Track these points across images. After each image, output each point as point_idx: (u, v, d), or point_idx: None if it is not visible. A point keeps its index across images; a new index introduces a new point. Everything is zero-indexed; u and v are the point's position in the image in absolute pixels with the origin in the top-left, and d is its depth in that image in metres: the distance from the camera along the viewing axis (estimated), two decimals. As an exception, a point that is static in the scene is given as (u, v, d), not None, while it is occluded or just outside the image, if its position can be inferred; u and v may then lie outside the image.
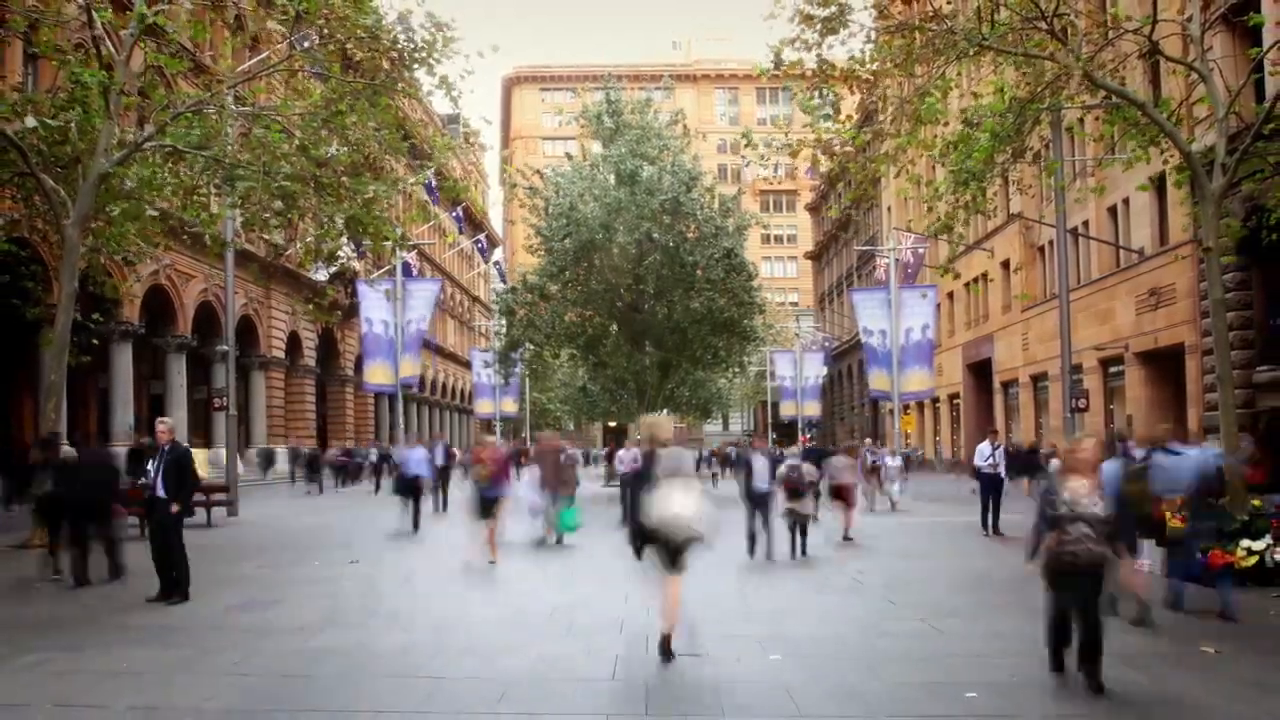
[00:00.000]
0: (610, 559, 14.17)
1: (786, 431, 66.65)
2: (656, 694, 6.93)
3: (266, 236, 28.39)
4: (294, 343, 44.58)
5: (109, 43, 17.35)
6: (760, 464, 14.16)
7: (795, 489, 14.16)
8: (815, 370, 59.21)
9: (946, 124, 15.76)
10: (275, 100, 19.32)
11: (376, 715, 6.47)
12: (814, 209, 78.48)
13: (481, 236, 66.55)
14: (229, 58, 24.54)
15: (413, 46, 17.72)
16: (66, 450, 16.16)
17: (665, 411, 43.07)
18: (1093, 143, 24.56)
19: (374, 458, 39.73)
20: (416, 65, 18.05)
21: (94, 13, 16.32)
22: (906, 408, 42.16)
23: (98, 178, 16.41)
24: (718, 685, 7.15)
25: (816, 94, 15.51)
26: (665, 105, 36.86)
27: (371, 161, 18.80)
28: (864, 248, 56.79)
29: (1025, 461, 26.24)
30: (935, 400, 48.22)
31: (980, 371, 45.00)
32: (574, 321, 32.47)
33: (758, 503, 14.12)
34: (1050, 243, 33.30)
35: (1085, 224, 32.61)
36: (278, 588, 11.86)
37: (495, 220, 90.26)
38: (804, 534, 14.43)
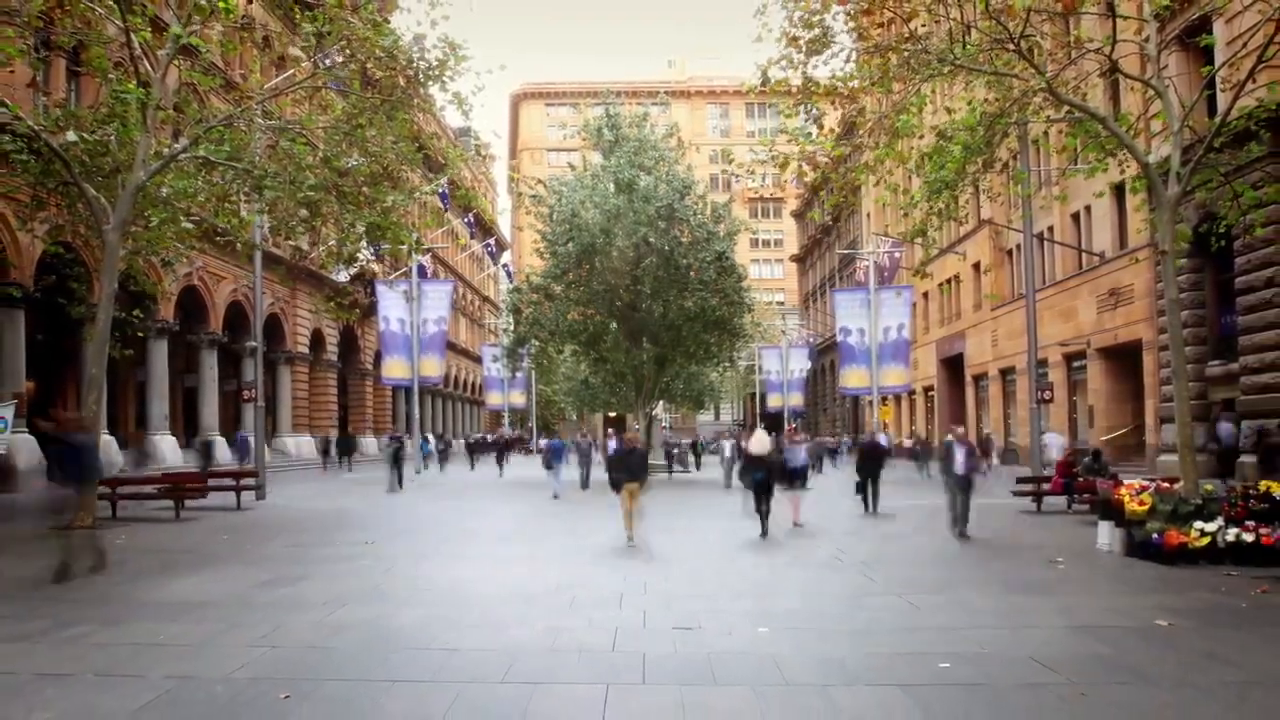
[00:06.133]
0: (612, 540, 14.18)
1: (774, 421, 66.68)
2: (653, 664, 6.93)
3: (292, 241, 28.34)
4: (317, 339, 44.55)
5: (146, 61, 17.32)
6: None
7: None
8: (800, 365, 59.24)
9: (921, 137, 15.74)
10: (300, 115, 19.26)
11: (393, 684, 6.46)
12: (799, 215, 78.37)
13: (491, 240, 66.48)
14: (258, 74, 24.47)
15: (427, 65, 17.69)
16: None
17: (661, 403, 43.16)
18: (1057, 154, 24.56)
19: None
20: (431, 82, 18.02)
21: (132, 34, 16.28)
22: (885, 399, 42.17)
23: (136, 187, 16.37)
24: (710, 656, 7.14)
25: (801, 110, 15.48)
26: (661, 119, 36.81)
27: (389, 172, 18.73)
28: (845, 251, 56.77)
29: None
30: (911, 393, 48.23)
31: (953, 366, 45.01)
32: (576, 319, 32.45)
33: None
34: (1018, 246, 33.31)
35: (1050, 229, 32.63)
36: (302, 566, 11.85)
37: (504, 225, 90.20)
38: None
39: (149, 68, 17.29)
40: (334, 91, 19.26)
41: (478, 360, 67.73)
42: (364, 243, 20.27)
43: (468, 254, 69.39)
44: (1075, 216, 31.54)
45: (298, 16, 18.89)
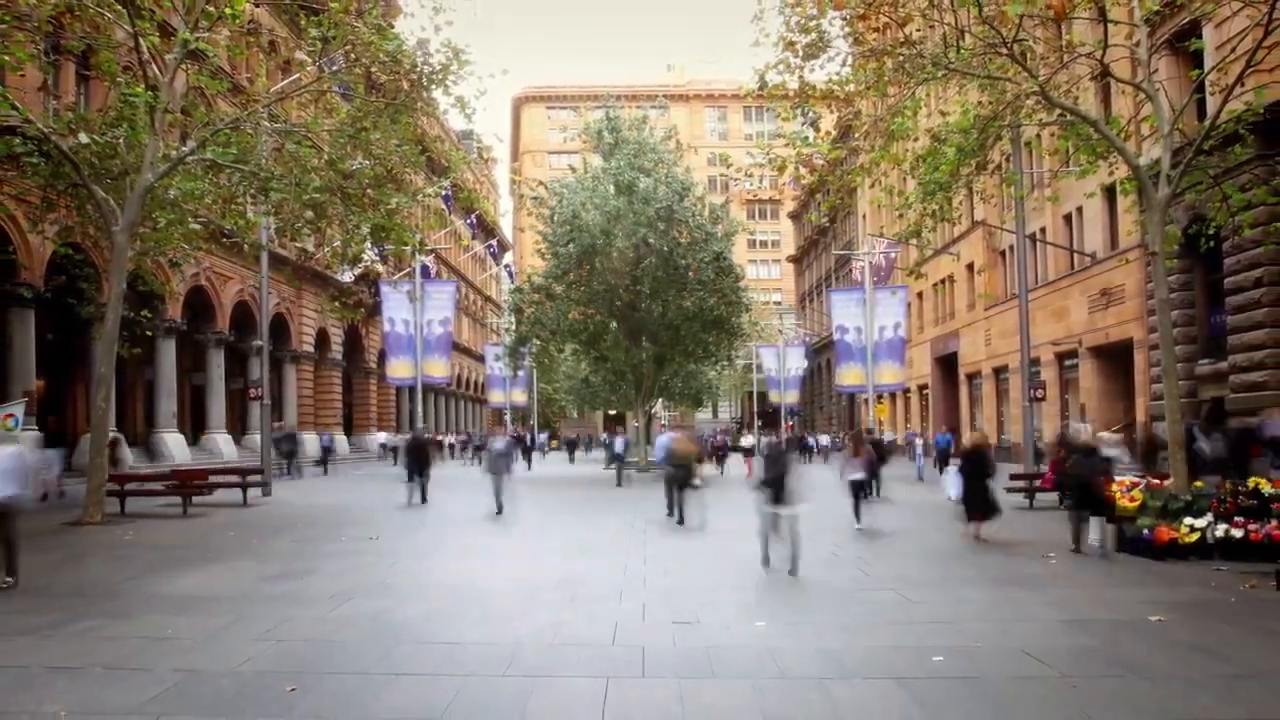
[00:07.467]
0: (612, 536, 14.18)
1: (770, 418, 66.67)
2: (652, 657, 6.93)
3: (298, 242, 28.38)
4: (322, 338, 44.49)
5: (154, 66, 17.32)
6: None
7: None
8: (797, 363, 59.20)
9: (916, 140, 15.73)
10: (306, 118, 19.25)
11: (397, 677, 6.46)
12: (796, 216, 78.36)
13: (493, 241, 66.36)
14: (264, 78, 24.46)
15: (430, 70, 17.70)
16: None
17: (660, 401, 43.17)
18: (1049, 156, 24.54)
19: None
20: (434, 86, 18.02)
21: (141, 39, 16.28)
22: (880, 397, 42.14)
23: (144, 189, 16.38)
24: (708, 649, 7.14)
25: (798, 113, 15.48)
26: (660, 122, 36.76)
27: (393, 174, 18.73)
28: (841, 252, 56.73)
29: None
30: (906, 391, 48.21)
31: (947, 364, 44.98)
32: (577, 319, 32.45)
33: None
34: (1010, 247, 33.33)
35: (1042, 230, 32.61)
36: (307, 560, 11.84)
37: (506, 227, 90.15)
38: None
39: (157, 72, 17.29)
40: (339, 95, 19.28)
41: (480, 359, 67.70)
42: (368, 244, 20.29)
43: (470, 255, 69.36)
44: (1067, 218, 31.51)
45: (303, 21, 18.88)
